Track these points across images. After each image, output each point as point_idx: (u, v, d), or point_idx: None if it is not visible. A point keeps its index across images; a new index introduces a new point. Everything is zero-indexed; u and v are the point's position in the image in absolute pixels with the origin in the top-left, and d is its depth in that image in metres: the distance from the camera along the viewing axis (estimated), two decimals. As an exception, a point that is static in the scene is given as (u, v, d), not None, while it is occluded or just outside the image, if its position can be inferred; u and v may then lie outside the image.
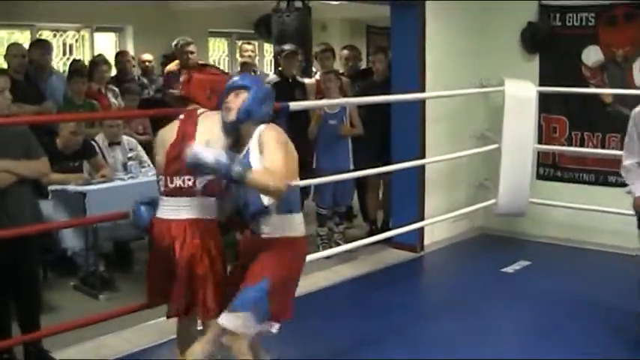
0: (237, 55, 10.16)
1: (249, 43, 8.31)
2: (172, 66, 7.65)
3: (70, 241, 5.20)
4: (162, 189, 3.34)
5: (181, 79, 3.63)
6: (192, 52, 7.20)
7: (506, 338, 4.55)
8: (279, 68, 7.07)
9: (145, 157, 5.87)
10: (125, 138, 5.93)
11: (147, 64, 8.10)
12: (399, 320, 4.78)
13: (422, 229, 6.30)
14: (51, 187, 5.14)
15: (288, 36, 7.79)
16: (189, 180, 3.25)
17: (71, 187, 5.12)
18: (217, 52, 11.66)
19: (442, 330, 4.62)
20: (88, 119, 6.00)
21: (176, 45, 7.69)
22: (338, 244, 6.11)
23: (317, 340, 4.40)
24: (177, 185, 3.27)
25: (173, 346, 4.25)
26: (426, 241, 6.44)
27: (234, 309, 3.02)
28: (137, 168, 5.56)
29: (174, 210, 3.28)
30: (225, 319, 3.04)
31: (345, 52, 7.46)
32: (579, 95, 6.31)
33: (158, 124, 6.47)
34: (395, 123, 6.33)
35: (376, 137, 6.43)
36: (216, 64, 10.83)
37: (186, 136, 3.28)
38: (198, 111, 3.39)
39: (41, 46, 6.69)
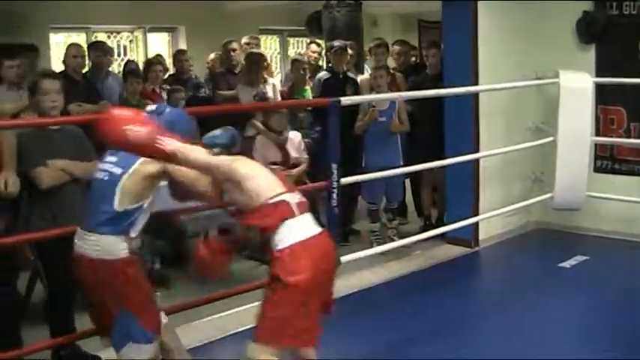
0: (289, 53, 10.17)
1: (315, 43, 8.17)
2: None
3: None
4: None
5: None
6: (234, 50, 7.19)
7: (564, 334, 4.45)
8: (330, 64, 7.07)
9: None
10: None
11: (212, 63, 8.12)
12: (455, 316, 4.72)
13: (476, 224, 6.23)
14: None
15: (339, 32, 7.80)
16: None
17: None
18: (269, 49, 11.71)
19: (498, 326, 4.55)
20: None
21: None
22: (392, 240, 6.08)
23: (371, 337, 4.37)
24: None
25: (229, 342, 4.34)
26: (481, 236, 6.36)
27: None
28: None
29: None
30: None
31: (396, 47, 7.41)
32: (637, 85, 6.15)
33: (204, 123, 6.68)
34: (448, 117, 6.27)
35: (429, 133, 6.39)
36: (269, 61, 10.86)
37: None
38: None
39: (98, 48, 6.81)
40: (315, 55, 7.71)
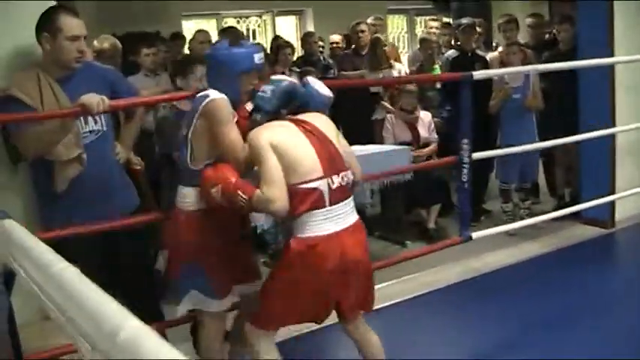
0: (417, 32, 10.10)
1: (434, 20, 8.16)
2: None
3: (260, 218, 5.39)
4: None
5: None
6: (362, 31, 7.20)
7: None
8: (458, 43, 6.98)
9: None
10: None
11: (335, 45, 8.19)
12: (588, 301, 4.56)
13: (613, 203, 6.00)
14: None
15: (467, 9, 7.72)
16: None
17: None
18: (396, 29, 11.68)
19: (635, 312, 4.38)
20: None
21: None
22: (524, 220, 5.97)
23: (501, 317, 4.32)
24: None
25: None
26: (618, 217, 6.13)
27: None
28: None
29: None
30: None
31: (530, 20, 7.21)
32: None
33: (333, 104, 6.74)
34: (583, 92, 6.08)
35: (562, 109, 6.22)
36: (396, 41, 10.83)
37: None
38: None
39: (229, 33, 6.92)
40: (434, 31, 7.65)
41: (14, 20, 3.42)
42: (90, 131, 3.38)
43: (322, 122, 3.02)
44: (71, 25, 3.23)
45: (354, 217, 2.95)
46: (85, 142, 3.33)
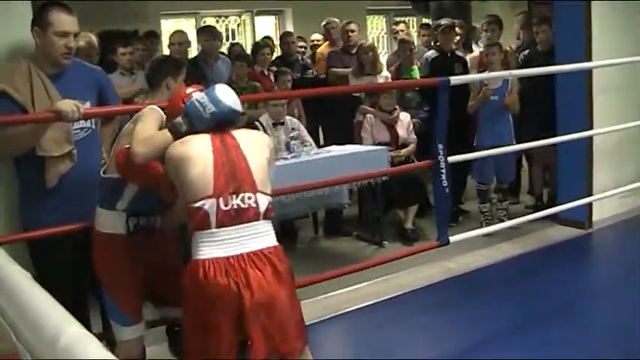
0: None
1: (401, 22, 8.19)
2: (324, 47, 7.73)
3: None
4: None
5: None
6: (352, 31, 7.21)
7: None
8: (437, 43, 6.98)
9: (308, 137, 5.99)
10: (288, 118, 6.05)
11: (316, 43, 8.17)
12: (565, 300, 4.57)
13: (590, 204, 6.02)
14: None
15: (446, 10, 7.71)
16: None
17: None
18: (376, 30, 11.67)
19: (611, 312, 4.35)
20: (254, 100, 6.15)
21: (326, 25, 7.75)
22: (502, 221, 5.97)
23: (479, 319, 4.30)
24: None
25: (339, 322, 4.38)
26: (595, 218, 6.14)
27: None
28: (300, 147, 5.65)
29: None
30: None
31: (519, 17, 7.28)
32: None
33: (314, 105, 6.73)
34: (560, 94, 6.09)
35: (540, 111, 6.23)
36: (375, 42, 10.82)
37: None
38: None
39: (207, 33, 6.96)
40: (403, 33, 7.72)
41: (10, 13, 3.42)
42: (80, 128, 3.37)
43: (248, 138, 2.85)
44: (61, 20, 3.21)
45: (259, 244, 2.65)
46: (75, 139, 3.32)
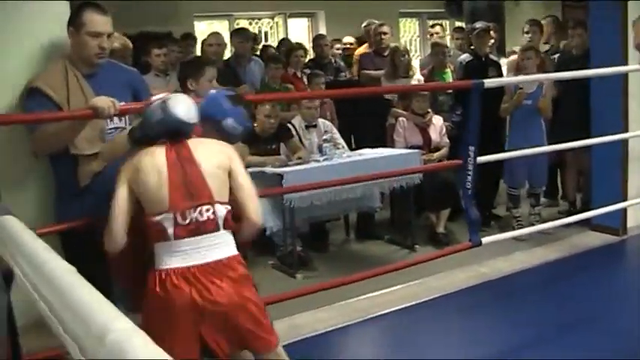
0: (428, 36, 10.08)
1: (437, 25, 8.19)
2: (362, 49, 7.72)
3: (269, 220, 5.36)
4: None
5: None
6: (385, 34, 7.20)
7: None
8: (472, 47, 6.95)
9: (340, 140, 5.99)
10: (321, 121, 6.08)
11: (349, 46, 8.19)
12: (596, 308, 4.50)
13: (624, 210, 5.94)
14: (249, 169, 5.35)
15: (480, 13, 7.67)
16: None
17: (268, 169, 5.29)
18: (408, 33, 11.65)
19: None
20: (280, 99, 6.19)
21: (366, 27, 7.75)
22: (533, 226, 5.92)
23: (511, 324, 4.28)
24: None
25: (366, 325, 4.37)
26: (630, 224, 6.05)
27: None
28: (332, 150, 5.66)
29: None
30: None
31: (546, 21, 7.18)
32: None
33: (346, 108, 6.73)
34: (595, 98, 6.02)
35: (574, 115, 6.17)
36: (407, 45, 10.80)
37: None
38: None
39: (240, 35, 7.00)
40: (439, 36, 7.68)
41: (49, 13, 3.46)
42: (115, 128, 3.40)
43: (205, 150, 2.83)
44: (94, 21, 3.25)
45: (217, 255, 2.70)
46: (109, 138, 3.36)
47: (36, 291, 1.10)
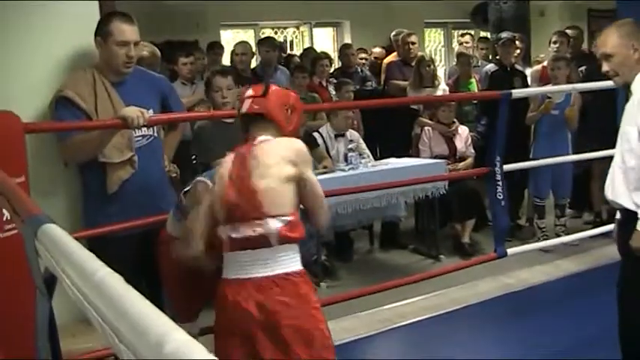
0: (454, 45, 10.11)
1: (467, 34, 8.21)
2: (390, 58, 7.74)
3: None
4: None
5: (249, 91, 2.88)
6: (413, 43, 7.23)
7: None
8: (497, 57, 6.95)
9: (366, 149, 6.01)
10: (348, 130, 6.08)
11: (376, 57, 8.23)
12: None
13: (652, 221, 5.90)
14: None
15: (506, 23, 7.67)
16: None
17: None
18: (433, 42, 11.66)
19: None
20: (306, 110, 6.17)
21: (395, 36, 7.78)
22: (559, 237, 5.90)
23: (536, 335, 4.24)
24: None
25: (390, 335, 4.38)
26: (657, 236, 6.01)
27: None
28: (357, 159, 5.67)
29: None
30: None
31: (569, 31, 7.15)
32: None
33: (372, 117, 6.75)
34: (621, 108, 5.98)
35: (600, 124, 6.14)
36: (433, 55, 10.82)
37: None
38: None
39: (267, 44, 7.05)
40: (467, 46, 7.67)
41: (78, 22, 3.52)
42: (142, 135, 3.45)
43: (267, 152, 2.70)
44: (121, 30, 3.30)
45: (263, 272, 2.64)
46: (137, 146, 3.40)
47: (85, 299, 1.13)
